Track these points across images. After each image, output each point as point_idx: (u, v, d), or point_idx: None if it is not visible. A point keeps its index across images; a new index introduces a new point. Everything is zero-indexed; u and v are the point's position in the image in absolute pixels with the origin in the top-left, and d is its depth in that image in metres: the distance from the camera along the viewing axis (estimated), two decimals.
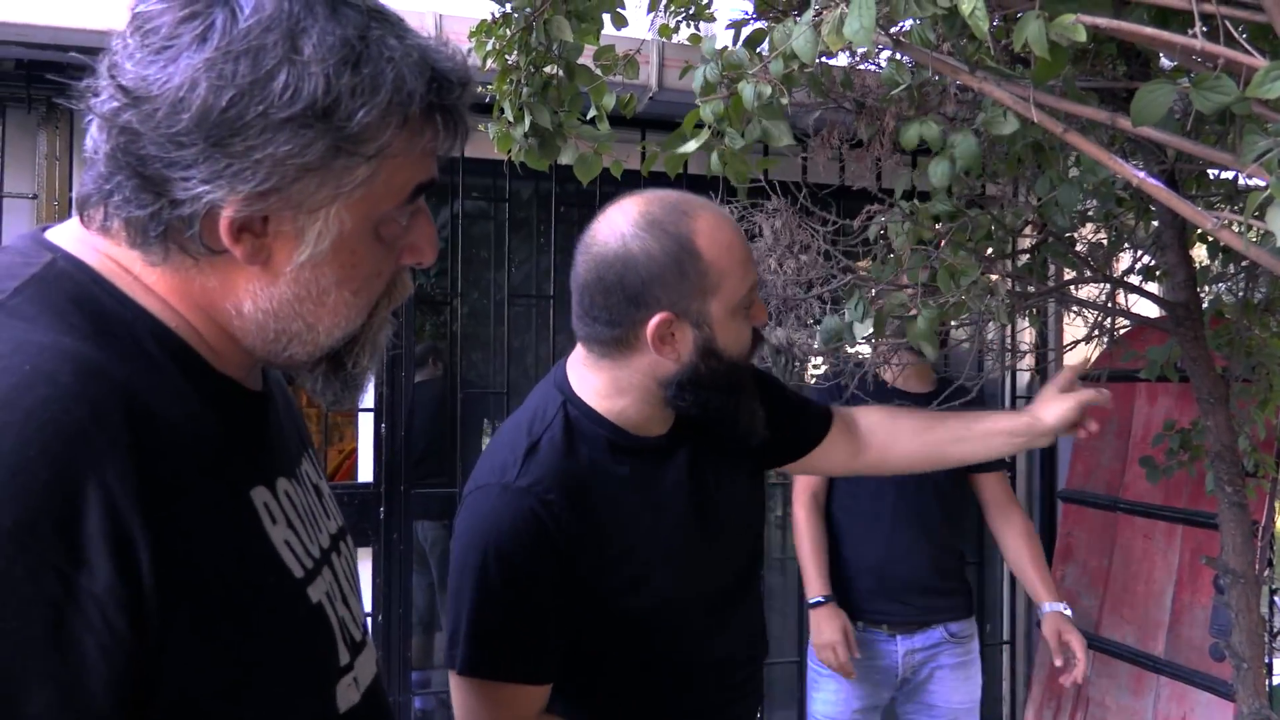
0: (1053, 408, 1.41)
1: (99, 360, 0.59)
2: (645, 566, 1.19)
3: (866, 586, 2.32)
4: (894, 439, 1.49)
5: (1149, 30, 0.77)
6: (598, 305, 1.15)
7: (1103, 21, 0.76)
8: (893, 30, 1.08)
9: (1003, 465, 2.42)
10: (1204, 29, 0.82)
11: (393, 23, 0.66)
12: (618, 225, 1.14)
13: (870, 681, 2.32)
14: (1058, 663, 2.28)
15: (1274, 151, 0.74)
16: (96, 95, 0.63)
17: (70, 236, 0.68)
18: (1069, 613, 2.28)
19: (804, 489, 2.35)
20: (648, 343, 1.13)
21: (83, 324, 0.61)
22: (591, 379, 1.21)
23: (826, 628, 2.25)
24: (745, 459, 1.36)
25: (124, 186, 0.63)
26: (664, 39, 2.00)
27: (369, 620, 2.71)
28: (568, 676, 1.19)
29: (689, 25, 1.98)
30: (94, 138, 0.64)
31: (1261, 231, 0.82)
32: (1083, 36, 0.77)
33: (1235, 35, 0.75)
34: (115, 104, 0.61)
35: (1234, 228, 0.85)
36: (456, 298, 2.94)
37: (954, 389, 2.18)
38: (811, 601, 2.30)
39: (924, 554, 2.29)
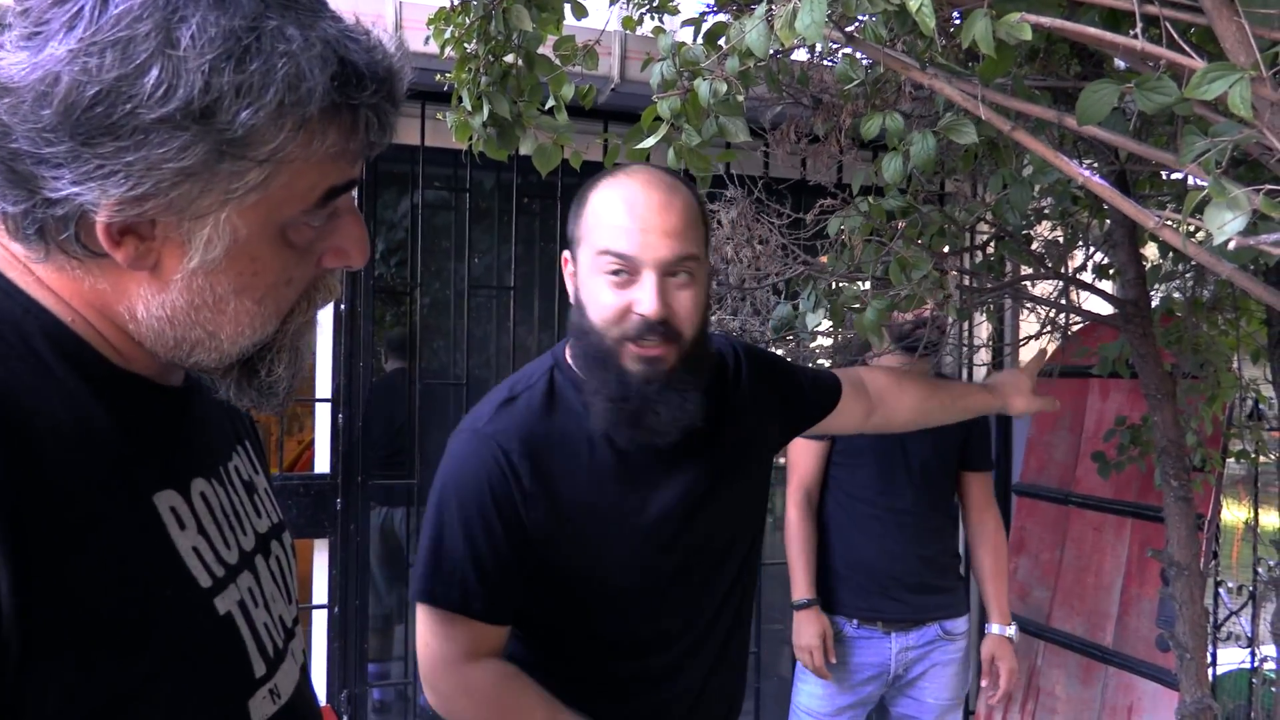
0: (1022, 401, 1.73)
1: None
2: (596, 546, 1.20)
3: (860, 584, 2.32)
4: (900, 402, 1.65)
5: (1092, 30, 0.78)
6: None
7: (1047, 21, 0.77)
8: (848, 28, 1.09)
9: (991, 466, 2.46)
10: (1154, 31, 0.83)
11: (299, 9, 0.59)
12: None
13: (860, 678, 2.33)
14: (983, 683, 2.35)
15: (1211, 152, 0.75)
16: None
17: None
18: (1012, 637, 2.34)
19: (797, 487, 2.35)
20: (568, 281, 1.24)
21: None
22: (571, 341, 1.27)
23: (807, 631, 2.28)
24: (763, 439, 1.37)
25: None
26: (627, 31, 1.99)
27: (324, 614, 2.70)
28: (529, 637, 1.26)
29: (653, 18, 1.98)
30: None
31: (1204, 230, 0.84)
32: (1028, 35, 0.78)
33: (1176, 38, 0.76)
34: None
35: (1177, 227, 0.87)
36: (417, 288, 2.91)
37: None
38: (796, 603, 2.31)
39: (917, 553, 2.30)
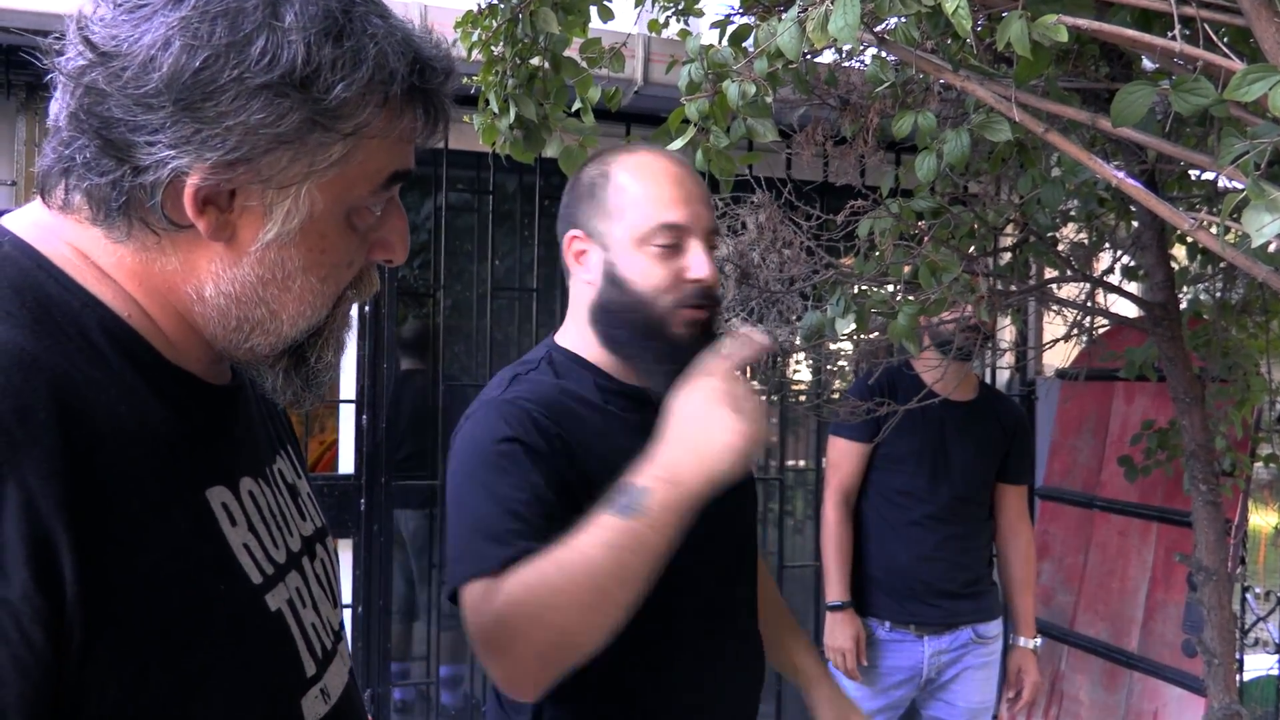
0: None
1: (32, 351, 0.56)
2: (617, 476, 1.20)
3: (894, 588, 2.32)
4: None
5: (1129, 32, 0.78)
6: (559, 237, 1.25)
7: (1084, 23, 0.77)
8: (878, 28, 1.09)
9: (1027, 479, 2.44)
10: (1185, 32, 0.82)
11: (376, 2, 0.64)
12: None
13: (892, 681, 2.32)
14: (1009, 695, 2.34)
15: (1250, 154, 0.75)
16: (62, 54, 0.60)
17: (27, 221, 0.64)
18: (1037, 649, 2.34)
19: (836, 488, 2.35)
20: (569, 265, 1.22)
21: (20, 312, 0.58)
22: (575, 327, 1.26)
23: (840, 633, 2.29)
24: None
25: (85, 150, 0.60)
26: (652, 33, 2.00)
27: (348, 613, 2.72)
28: None
29: (678, 20, 1.98)
30: (57, 101, 0.61)
31: (1239, 233, 0.83)
32: (1064, 37, 0.78)
33: (1215, 39, 0.75)
34: (82, 62, 0.58)
35: (1211, 229, 0.86)
36: (439, 290, 2.93)
37: (934, 385, 2.20)
38: (831, 604, 2.32)
39: (952, 559, 2.30)
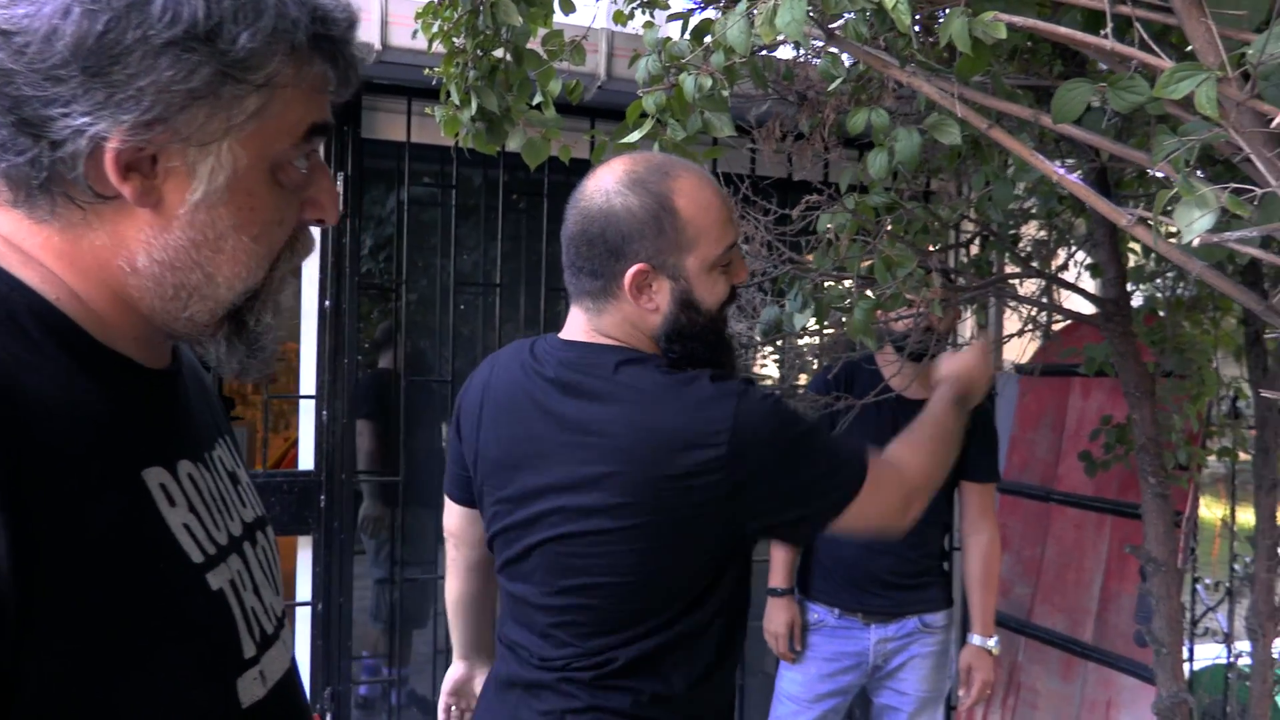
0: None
1: None
2: None
3: (842, 577, 2.37)
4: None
5: (1063, 30, 0.79)
6: (583, 257, 1.22)
7: (1019, 20, 0.78)
8: (833, 25, 1.10)
9: (992, 477, 2.45)
10: (1133, 33, 0.84)
11: None
12: (604, 183, 1.22)
13: (839, 668, 2.37)
14: (960, 693, 2.37)
15: (1180, 150, 0.77)
16: None
17: None
18: (992, 649, 2.36)
19: None
20: (626, 292, 1.21)
21: None
22: (591, 338, 1.28)
23: (776, 618, 2.38)
24: None
25: (0, 132, 0.60)
26: (620, 25, 1.99)
27: (308, 611, 2.69)
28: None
29: (644, 13, 1.98)
30: None
31: (1169, 228, 0.85)
32: (1003, 33, 0.79)
33: (1147, 39, 0.77)
34: None
35: (1153, 226, 0.88)
36: (402, 284, 2.91)
37: (891, 379, 2.22)
38: (771, 589, 2.40)
39: (900, 552, 2.32)
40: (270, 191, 0.68)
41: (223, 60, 0.61)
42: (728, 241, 1.24)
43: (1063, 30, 0.79)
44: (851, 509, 1.23)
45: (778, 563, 2.40)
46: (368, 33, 2.40)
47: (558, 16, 1.77)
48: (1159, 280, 2.31)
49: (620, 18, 1.97)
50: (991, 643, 2.37)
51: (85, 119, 0.59)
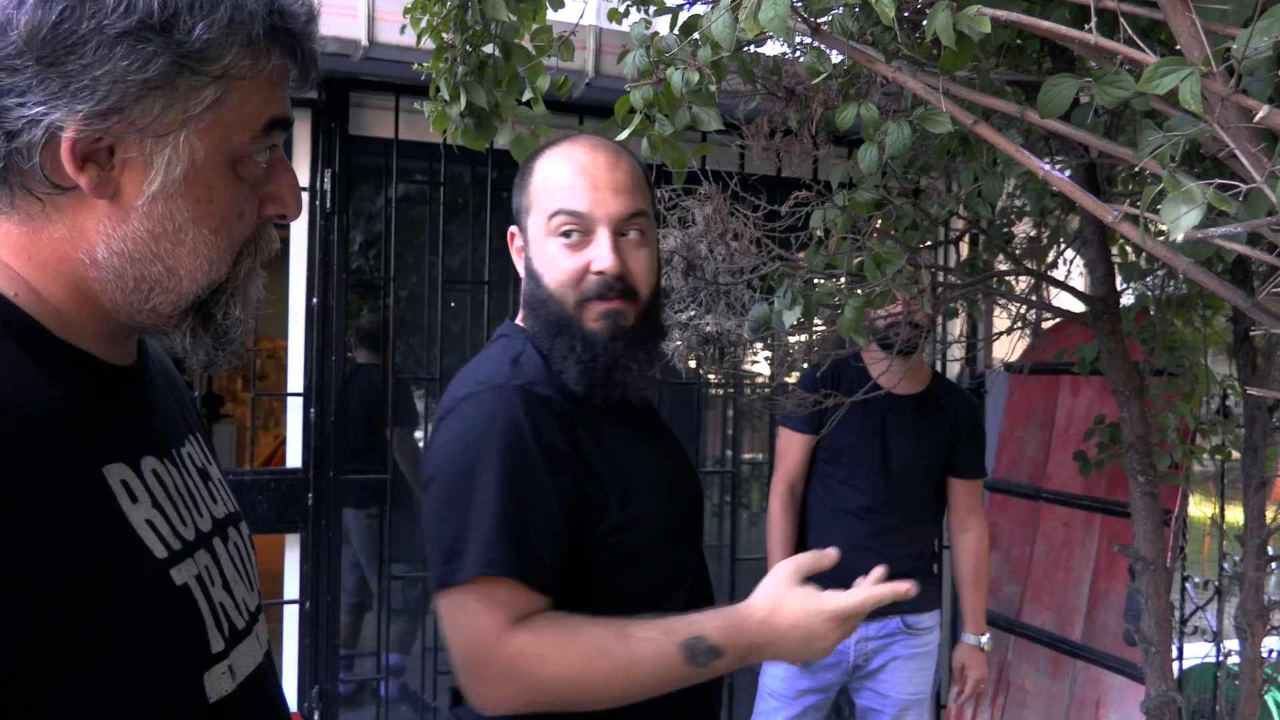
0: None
1: None
2: (631, 495, 1.17)
3: (827, 574, 2.33)
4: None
5: (1047, 24, 0.79)
6: None
7: (1003, 14, 0.78)
8: (820, 20, 1.09)
9: (979, 473, 2.44)
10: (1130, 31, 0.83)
11: None
12: None
13: (819, 665, 2.35)
14: (953, 690, 2.36)
15: (1165, 146, 0.76)
16: None
17: None
18: (985, 646, 2.35)
19: (781, 478, 2.38)
20: (514, 258, 1.23)
21: None
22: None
23: None
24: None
25: None
26: (614, 23, 1.98)
27: (295, 609, 2.68)
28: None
29: (639, 10, 1.97)
30: None
31: (1157, 225, 0.85)
32: (987, 28, 0.78)
33: (1132, 34, 0.76)
34: None
35: (1140, 222, 0.88)
36: (391, 282, 2.89)
37: (881, 376, 2.22)
38: None
39: (886, 551, 2.29)
40: (229, 184, 0.67)
41: (178, 51, 0.61)
42: (565, 207, 1.14)
43: (1046, 24, 0.78)
44: (444, 603, 1.06)
45: (773, 558, 2.39)
46: (354, 29, 2.39)
47: (546, 13, 1.76)
48: (1149, 279, 2.31)
49: (615, 15, 1.96)
50: (984, 640, 2.36)
51: (40, 108, 0.59)
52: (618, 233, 1.15)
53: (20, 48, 0.58)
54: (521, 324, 1.24)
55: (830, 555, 1.08)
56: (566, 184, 1.15)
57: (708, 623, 1.06)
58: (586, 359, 1.13)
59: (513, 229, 1.24)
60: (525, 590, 1.05)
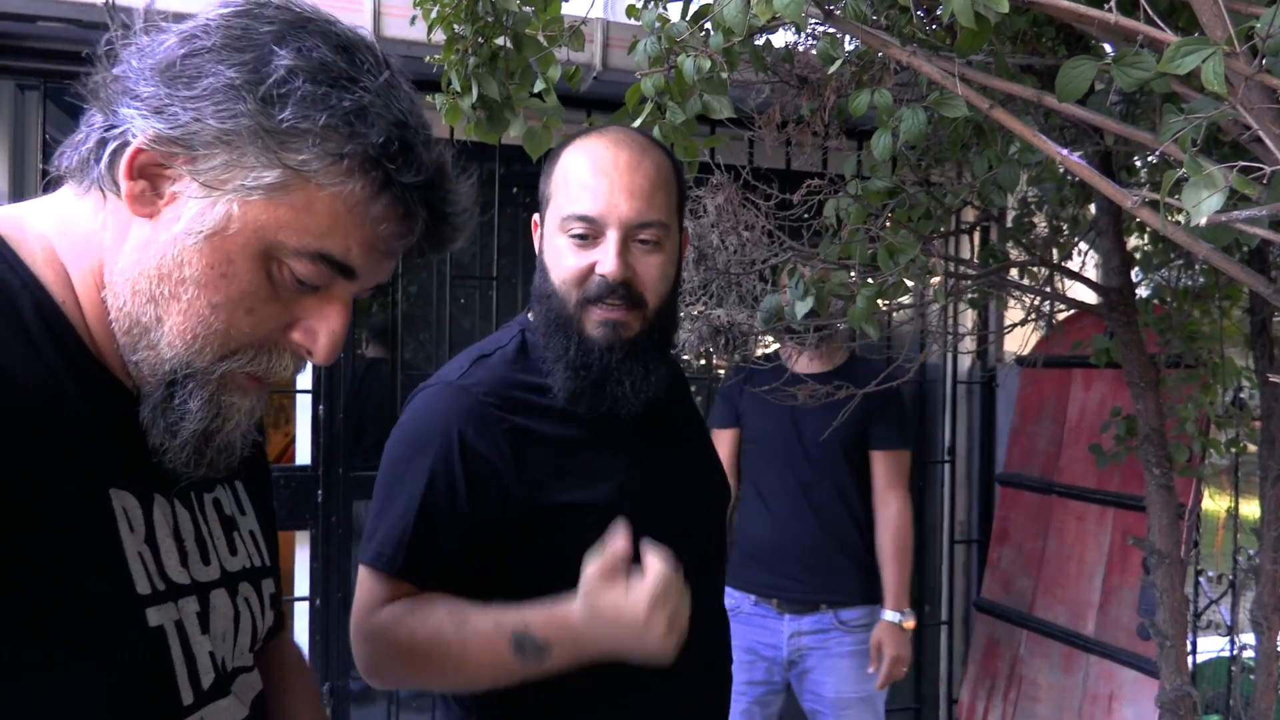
0: None
1: None
2: (587, 479, 1.16)
3: (757, 560, 2.37)
4: None
5: (1066, 4, 0.77)
6: None
7: None
8: (830, 5, 1.08)
9: (899, 445, 2.39)
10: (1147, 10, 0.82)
11: (396, 97, 0.66)
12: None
13: (755, 658, 2.36)
14: (870, 669, 2.28)
15: (1187, 129, 0.75)
16: (125, 41, 0.66)
17: (11, 208, 0.68)
18: (903, 623, 2.28)
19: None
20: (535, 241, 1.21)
21: None
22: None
23: None
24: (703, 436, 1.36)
25: (93, 116, 0.65)
26: (631, 18, 1.96)
27: (305, 606, 2.68)
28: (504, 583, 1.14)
29: (657, 5, 1.95)
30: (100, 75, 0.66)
31: (1178, 211, 0.83)
32: (1005, 8, 0.77)
33: (1151, 15, 0.75)
34: (125, 42, 0.66)
35: (1160, 209, 0.86)
36: (400, 278, 2.89)
37: (894, 368, 2.20)
38: None
39: (811, 529, 2.32)
40: (251, 272, 0.65)
41: (264, 122, 0.62)
42: (576, 210, 1.11)
43: (1065, 5, 0.77)
44: (359, 574, 1.13)
45: None
46: (360, 22, 2.38)
47: (560, 4, 1.75)
48: (1165, 271, 2.29)
49: (633, 11, 1.94)
50: (901, 617, 2.27)
51: (136, 113, 0.63)
52: (629, 237, 1.12)
53: (157, 64, 0.63)
54: (531, 317, 1.23)
55: (620, 544, 1.01)
56: (584, 182, 1.12)
57: (533, 616, 1.03)
58: (578, 365, 1.12)
59: (535, 216, 1.22)
60: (406, 585, 1.10)
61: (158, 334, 0.65)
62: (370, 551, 1.11)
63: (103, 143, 0.65)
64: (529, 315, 1.24)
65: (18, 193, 2.44)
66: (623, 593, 0.98)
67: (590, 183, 1.11)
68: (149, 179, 0.64)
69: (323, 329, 0.69)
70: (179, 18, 0.67)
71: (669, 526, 1.22)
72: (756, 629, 2.35)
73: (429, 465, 1.10)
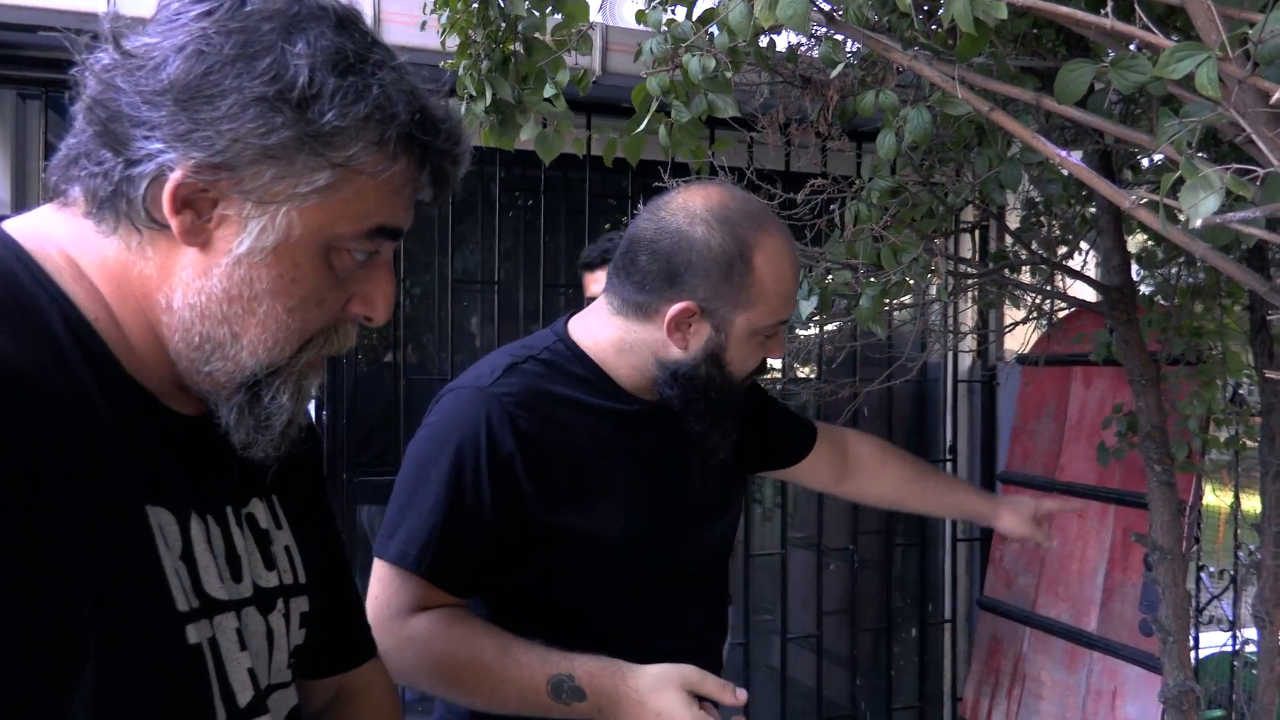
0: (1012, 520, 1.63)
1: None
2: (603, 506, 1.19)
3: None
4: (878, 477, 1.61)
5: (1064, 9, 0.79)
6: (638, 266, 1.17)
7: (1021, 0, 0.78)
8: (830, 8, 1.09)
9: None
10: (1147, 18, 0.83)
11: (397, 66, 0.66)
12: (693, 204, 1.16)
13: None
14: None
15: (1182, 132, 0.76)
16: (97, 56, 0.64)
17: (28, 221, 0.67)
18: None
19: None
20: (664, 321, 1.16)
21: None
22: (599, 328, 1.24)
23: None
24: (743, 451, 1.39)
25: (89, 142, 0.63)
26: (641, 24, 1.97)
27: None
28: (529, 590, 1.21)
29: (665, 9, 1.95)
30: (81, 97, 0.64)
31: (1177, 212, 0.85)
32: (1003, 13, 0.79)
33: (1145, 20, 0.77)
34: (109, 60, 0.62)
35: (1158, 209, 0.88)
36: (402, 282, 2.91)
37: (896, 368, 2.22)
38: None
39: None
40: (317, 269, 0.67)
41: (306, 129, 0.62)
42: (781, 316, 1.19)
43: (1063, 10, 0.79)
44: (375, 567, 1.16)
45: None
46: None
47: (551, 9, 1.76)
48: (1167, 269, 2.30)
49: (642, 17, 1.95)
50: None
51: (160, 145, 0.61)
52: None
53: (166, 87, 0.60)
54: (577, 335, 1.24)
55: (740, 696, 1.06)
56: (787, 293, 1.18)
57: (581, 665, 1.08)
58: (729, 421, 1.26)
59: (687, 305, 1.15)
60: (433, 588, 1.13)
61: (235, 348, 0.66)
62: (393, 550, 1.13)
63: (128, 181, 0.62)
64: (571, 328, 1.26)
65: (19, 201, 2.45)
66: (685, 704, 1.03)
67: (790, 290, 1.19)
68: (192, 208, 0.63)
69: (378, 293, 0.71)
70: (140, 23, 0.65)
71: (681, 555, 1.27)
72: None
73: (457, 468, 1.13)
